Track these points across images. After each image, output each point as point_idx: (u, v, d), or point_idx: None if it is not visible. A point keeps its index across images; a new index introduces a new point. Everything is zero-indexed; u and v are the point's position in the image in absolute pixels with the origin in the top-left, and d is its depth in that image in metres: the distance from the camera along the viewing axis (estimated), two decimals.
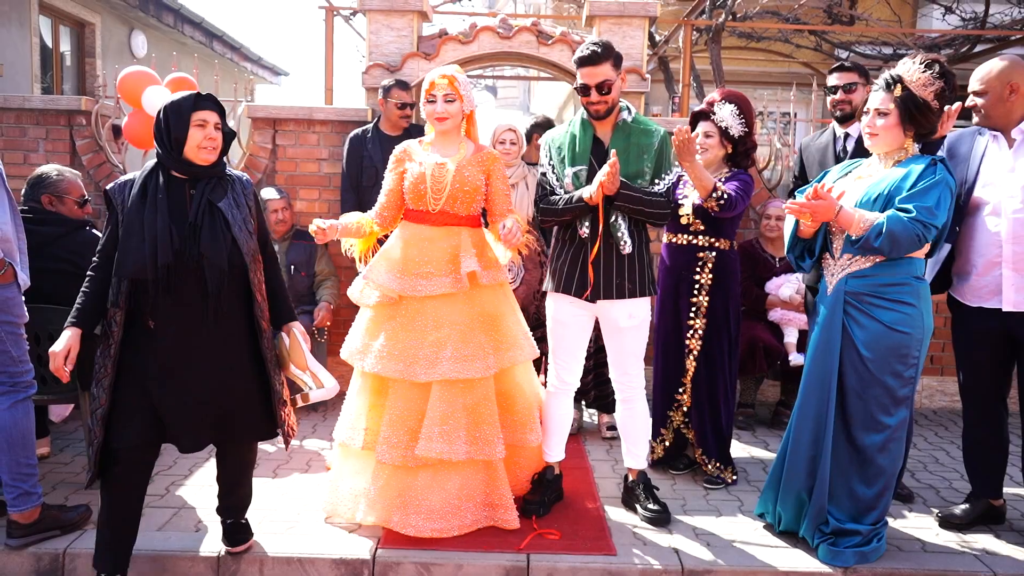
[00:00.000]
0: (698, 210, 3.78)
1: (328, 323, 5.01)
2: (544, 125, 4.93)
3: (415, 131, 4.79)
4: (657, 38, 7.99)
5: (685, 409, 3.95)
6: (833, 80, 3.99)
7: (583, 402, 4.78)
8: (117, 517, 2.86)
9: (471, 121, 3.44)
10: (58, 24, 8.85)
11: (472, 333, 3.26)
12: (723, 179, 3.78)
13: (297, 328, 3.08)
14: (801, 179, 4.16)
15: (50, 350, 2.75)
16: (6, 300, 3.07)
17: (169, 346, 2.80)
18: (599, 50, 3.27)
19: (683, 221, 3.83)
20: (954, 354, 3.57)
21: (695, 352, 3.87)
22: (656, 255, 5.43)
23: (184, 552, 3.13)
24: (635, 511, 3.56)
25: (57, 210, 3.80)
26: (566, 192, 3.37)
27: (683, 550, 3.24)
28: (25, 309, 3.17)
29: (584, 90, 3.32)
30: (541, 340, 3.76)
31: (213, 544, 3.18)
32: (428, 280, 3.26)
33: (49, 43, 8.72)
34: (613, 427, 4.56)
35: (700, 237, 3.82)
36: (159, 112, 2.84)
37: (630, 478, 3.63)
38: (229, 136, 2.91)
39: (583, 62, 3.29)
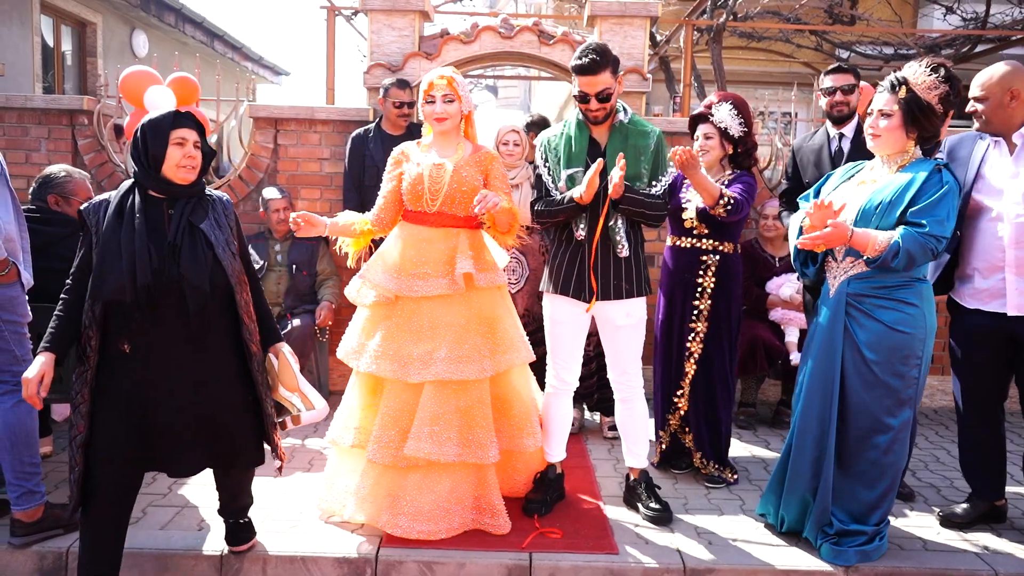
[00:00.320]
0: (702, 213, 3.78)
1: (330, 322, 5.02)
2: (540, 124, 4.93)
3: (416, 130, 4.79)
4: (658, 38, 8.00)
5: (682, 413, 3.95)
6: (832, 81, 3.99)
7: (584, 403, 4.78)
8: (97, 549, 2.76)
9: (469, 122, 3.43)
10: (59, 23, 8.85)
11: (468, 335, 3.26)
12: (726, 183, 3.79)
13: (286, 349, 3.05)
14: (794, 180, 4.16)
15: (23, 376, 2.65)
16: (10, 299, 3.08)
17: (148, 370, 2.72)
18: (598, 58, 3.22)
19: (687, 225, 3.83)
20: (950, 356, 3.57)
21: (696, 355, 3.87)
22: (651, 256, 5.45)
23: (187, 551, 3.14)
24: (637, 510, 3.57)
25: (63, 211, 3.81)
26: (561, 194, 3.37)
27: (685, 549, 3.25)
28: (28, 308, 3.17)
29: (583, 98, 3.30)
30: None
31: (216, 543, 3.18)
32: (425, 281, 3.26)
33: (50, 43, 8.72)
34: (615, 427, 4.56)
35: (704, 240, 3.82)
36: (136, 130, 2.76)
37: (631, 477, 3.64)
38: (208, 155, 2.84)
39: (582, 71, 3.24)
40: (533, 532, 3.30)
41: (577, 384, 3.62)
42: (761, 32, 8.67)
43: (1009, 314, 3.28)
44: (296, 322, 4.92)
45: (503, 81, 16.62)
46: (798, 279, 4.83)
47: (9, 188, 3.16)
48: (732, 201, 3.59)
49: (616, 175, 3.16)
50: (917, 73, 3.06)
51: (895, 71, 3.17)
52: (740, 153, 3.86)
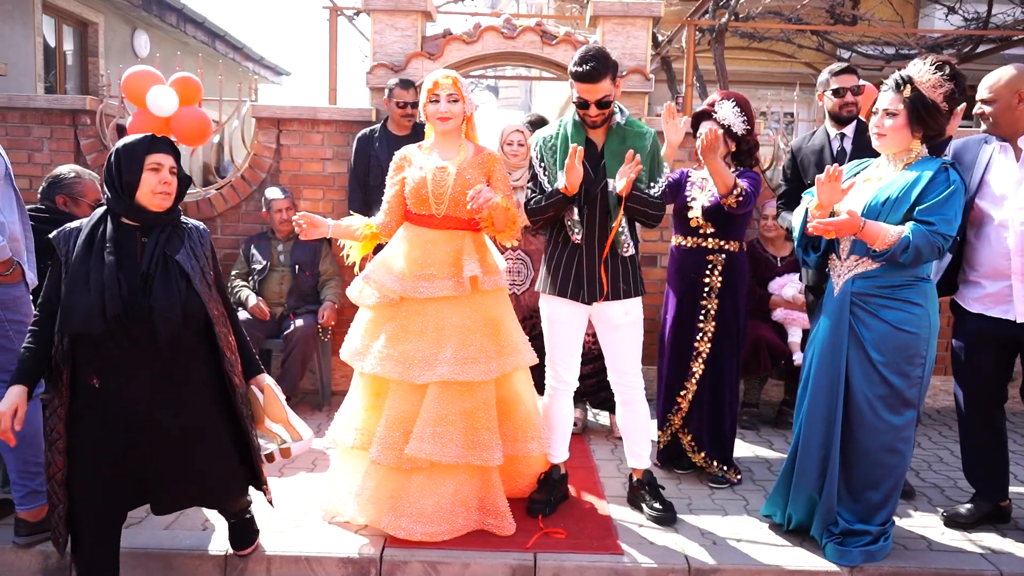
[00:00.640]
0: (707, 212, 3.78)
1: (333, 322, 5.02)
2: (538, 124, 4.93)
3: (421, 130, 4.79)
4: (659, 38, 7.99)
5: (684, 412, 3.94)
6: (841, 83, 3.98)
7: (587, 403, 4.78)
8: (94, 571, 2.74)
9: (470, 123, 3.43)
10: (61, 23, 8.85)
11: (473, 336, 3.26)
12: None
13: (269, 381, 2.98)
14: (794, 181, 4.16)
15: None
16: (15, 299, 3.08)
17: (120, 405, 2.62)
18: (598, 66, 3.19)
19: (692, 224, 3.83)
20: (952, 358, 3.58)
21: (704, 355, 3.87)
22: (653, 256, 5.45)
23: (191, 551, 3.14)
24: (641, 511, 3.57)
25: (71, 211, 3.79)
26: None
27: (689, 549, 3.25)
28: (33, 308, 3.17)
29: (583, 104, 3.29)
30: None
31: (220, 543, 3.18)
32: (430, 282, 3.26)
33: (52, 43, 8.72)
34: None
35: (710, 239, 3.82)
36: (110, 154, 2.67)
37: (635, 478, 3.64)
38: (184, 182, 2.74)
39: (582, 78, 3.22)
40: (537, 532, 3.30)
41: (577, 384, 3.61)
42: (762, 32, 8.66)
43: (1018, 320, 3.28)
44: (299, 322, 4.92)
45: (504, 81, 16.63)
46: (800, 279, 4.83)
47: (14, 188, 3.16)
48: (744, 192, 3.59)
49: (628, 170, 3.15)
50: (922, 71, 3.05)
51: (899, 70, 3.16)
52: (743, 151, 3.87)
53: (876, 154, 3.24)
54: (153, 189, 2.64)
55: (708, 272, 3.82)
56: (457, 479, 3.26)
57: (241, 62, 12.78)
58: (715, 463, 3.93)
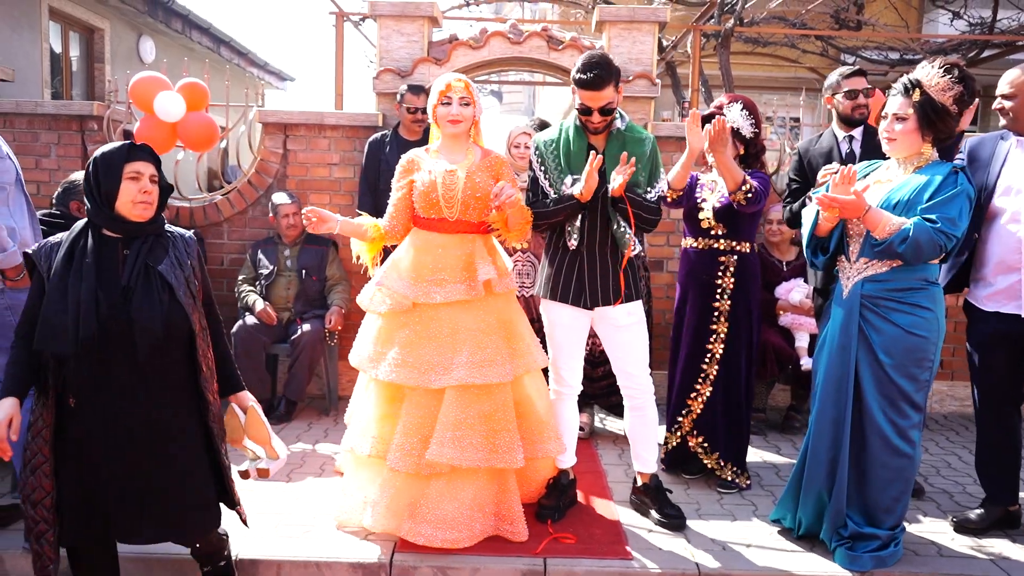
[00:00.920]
0: (719, 213, 3.78)
1: (340, 327, 5.02)
2: (543, 128, 4.93)
3: None
4: (664, 43, 8.00)
5: (695, 415, 3.93)
6: (853, 85, 3.99)
7: (595, 406, 4.78)
8: None
9: (476, 127, 3.43)
10: (67, 30, 8.87)
11: (488, 339, 3.26)
12: None
13: (252, 401, 2.85)
14: (802, 181, 4.17)
15: None
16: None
17: (96, 426, 2.51)
18: (602, 73, 3.20)
19: (704, 225, 3.83)
20: (967, 358, 3.58)
21: (717, 356, 3.87)
22: (660, 260, 5.45)
23: None
24: (647, 515, 3.56)
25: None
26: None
27: (699, 554, 3.24)
28: None
29: (586, 111, 3.29)
30: None
31: (230, 548, 3.17)
32: (442, 287, 3.26)
33: (58, 49, 8.75)
34: None
35: (722, 240, 3.82)
36: (88, 164, 2.57)
37: (640, 482, 3.63)
38: (166, 190, 2.65)
39: (585, 86, 3.22)
40: (547, 538, 3.30)
41: (580, 387, 3.61)
42: (766, 37, 8.67)
43: None
44: (306, 327, 4.93)
45: (507, 86, 16.65)
46: (805, 281, 4.83)
47: (24, 194, 3.17)
48: (753, 188, 3.60)
49: (620, 173, 3.16)
50: (930, 75, 3.05)
51: (907, 74, 3.16)
52: (750, 154, 3.88)
53: (885, 156, 3.24)
54: (133, 199, 2.53)
55: (720, 273, 3.82)
56: (476, 484, 3.25)
57: (246, 68, 12.80)
58: (729, 465, 3.92)
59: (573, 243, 3.35)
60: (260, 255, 5.15)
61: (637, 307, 3.46)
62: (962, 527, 3.52)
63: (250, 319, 4.93)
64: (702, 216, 3.83)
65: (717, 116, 3.71)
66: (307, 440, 4.59)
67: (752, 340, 3.91)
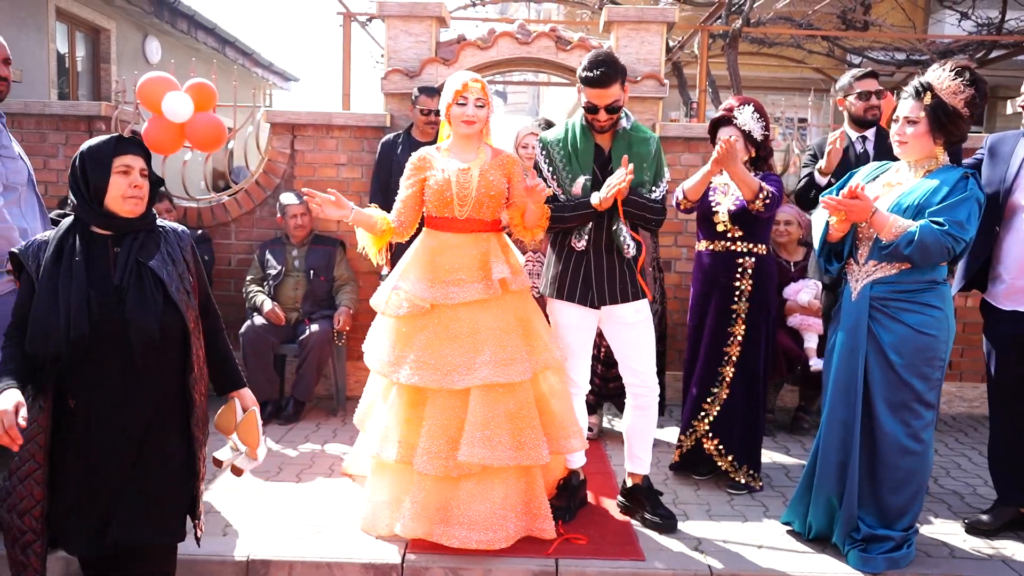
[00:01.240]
0: (734, 215, 3.78)
1: (348, 328, 5.02)
2: (548, 129, 4.92)
3: None
4: (671, 44, 8.00)
5: (711, 419, 3.92)
6: (865, 86, 4.00)
7: (604, 407, 4.77)
8: None
9: (487, 125, 3.42)
10: (74, 30, 8.88)
11: (508, 337, 3.25)
12: None
13: (254, 404, 2.73)
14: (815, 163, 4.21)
15: None
16: None
17: (89, 429, 2.41)
18: (609, 71, 3.20)
19: (719, 228, 3.83)
20: (985, 357, 3.58)
21: (734, 359, 3.85)
22: (668, 261, 5.44)
23: (212, 556, 3.13)
24: (639, 517, 3.52)
25: None
26: (567, 198, 3.35)
27: (711, 555, 3.24)
28: None
29: (592, 109, 3.28)
30: None
31: (242, 548, 3.18)
32: (460, 287, 3.25)
33: (65, 49, 8.76)
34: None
35: (739, 243, 3.81)
36: (75, 159, 2.45)
37: (630, 483, 3.59)
38: (156, 184, 2.53)
39: (592, 83, 3.22)
40: (558, 538, 3.29)
41: (588, 387, 3.60)
42: (772, 38, 8.67)
43: None
44: (314, 327, 4.93)
45: (511, 86, 16.66)
46: (823, 275, 4.83)
47: (37, 195, 3.18)
48: (770, 194, 3.61)
49: (620, 176, 3.15)
50: (942, 78, 3.04)
51: (918, 77, 3.15)
52: (760, 157, 3.88)
53: (897, 158, 3.24)
54: (123, 193, 2.42)
55: (739, 276, 3.81)
56: (506, 483, 3.24)
57: (250, 68, 12.81)
58: (744, 468, 3.90)
59: (581, 245, 3.35)
60: (268, 255, 5.15)
61: (644, 305, 3.45)
62: (974, 529, 3.51)
63: (258, 319, 4.93)
64: (718, 219, 3.83)
65: (730, 131, 3.74)
66: (316, 440, 4.59)
67: (770, 342, 3.90)
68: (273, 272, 5.09)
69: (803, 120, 5.86)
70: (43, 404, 2.39)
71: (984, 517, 3.54)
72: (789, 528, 3.47)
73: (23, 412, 2.25)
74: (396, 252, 4.29)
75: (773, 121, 4.71)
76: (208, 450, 2.68)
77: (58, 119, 5.50)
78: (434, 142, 3.59)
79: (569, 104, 13.03)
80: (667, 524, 3.45)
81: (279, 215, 5.17)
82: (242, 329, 4.90)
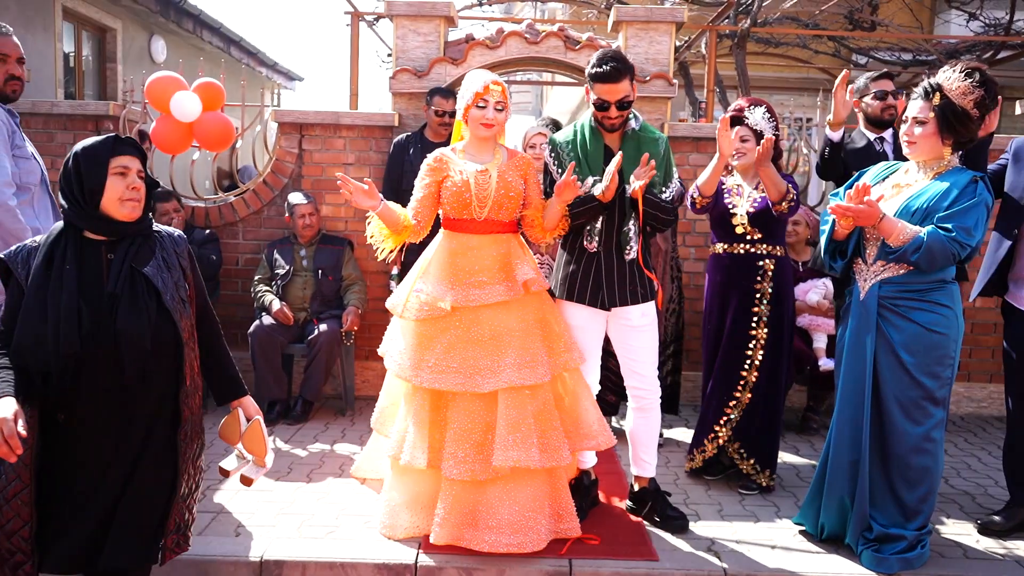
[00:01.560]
0: (753, 218, 3.77)
1: (356, 327, 5.02)
2: (553, 128, 4.92)
3: None
4: (678, 44, 7.99)
5: (734, 424, 3.88)
6: (881, 87, 4.02)
7: (617, 410, 4.76)
8: None
9: (502, 127, 3.41)
10: (80, 30, 8.88)
11: (530, 339, 3.23)
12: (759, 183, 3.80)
13: (258, 413, 2.64)
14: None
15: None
16: None
17: (77, 444, 2.30)
18: (619, 67, 3.19)
19: (738, 230, 3.81)
20: (1003, 359, 3.58)
21: (756, 363, 3.83)
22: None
23: (225, 557, 3.13)
24: (650, 520, 3.51)
25: None
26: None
27: (724, 555, 3.23)
28: None
29: (603, 106, 3.27)
30: None
31: (255, 549, 3.18)
32: (482, 289, 3.23)
33: (71, 49, 8.76)
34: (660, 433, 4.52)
35: (758, 245, 3.80)
36: (68, 160, 2.32)
37: (637, 487, 3.57)
38: (151, 187, 2.42)
39: (603, 79, 3.21)
40: (571, 539, 3.28)
41: (598, 387, 3.59)
42: (779, 38, 8.66)
43: None
44: (323, 327, 4.92)
45: (515, 86, 16.64)
46: (827, 272, 4.83)
47: (49, 195, 3.18)
48: (795, 196, 3.63)
49: (633, 179, 3.17)
50: (951, 79, 3.04)
51: (927, 77, 3.15)
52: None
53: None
54: (121, 196, 2.30)
55: (760, 278, 3.80)
56: (533, 485, 3.22)
57: (255, 67, 12.82)
58: (766, 472, 3.88)
59: (594, 246, 3.34)
60: (276, 255, 5.15)
61: (650, 308, 3.45)
62: (987, 529, 3.51)
63: (267, 319, 4.93)
64: (736, 221, 3.81)
65: (741, 132, 3.75)
66: (325, 440, 4.59)
67: (790, 344, 3.89)
68: (281, 272, 5.09)
69: (809, 120, 5.85)
70: (29, 418, 2.21)
71: (997, 518, 3.54)
72: (801, 528, 3.47)
73: (22, 421, 2.12)
74: (407, 252, 4.28)
75: (781, 121, 4.71)
76: (212, 460, 2.61)
77: (66, 119, 5.51)
78: (447, 143, 3.58)
79: (573, 104, 13.01)
80: (678, 524, 3.45)
81: (287, 215, 5.17)
82: (250, 329, 4.89)
